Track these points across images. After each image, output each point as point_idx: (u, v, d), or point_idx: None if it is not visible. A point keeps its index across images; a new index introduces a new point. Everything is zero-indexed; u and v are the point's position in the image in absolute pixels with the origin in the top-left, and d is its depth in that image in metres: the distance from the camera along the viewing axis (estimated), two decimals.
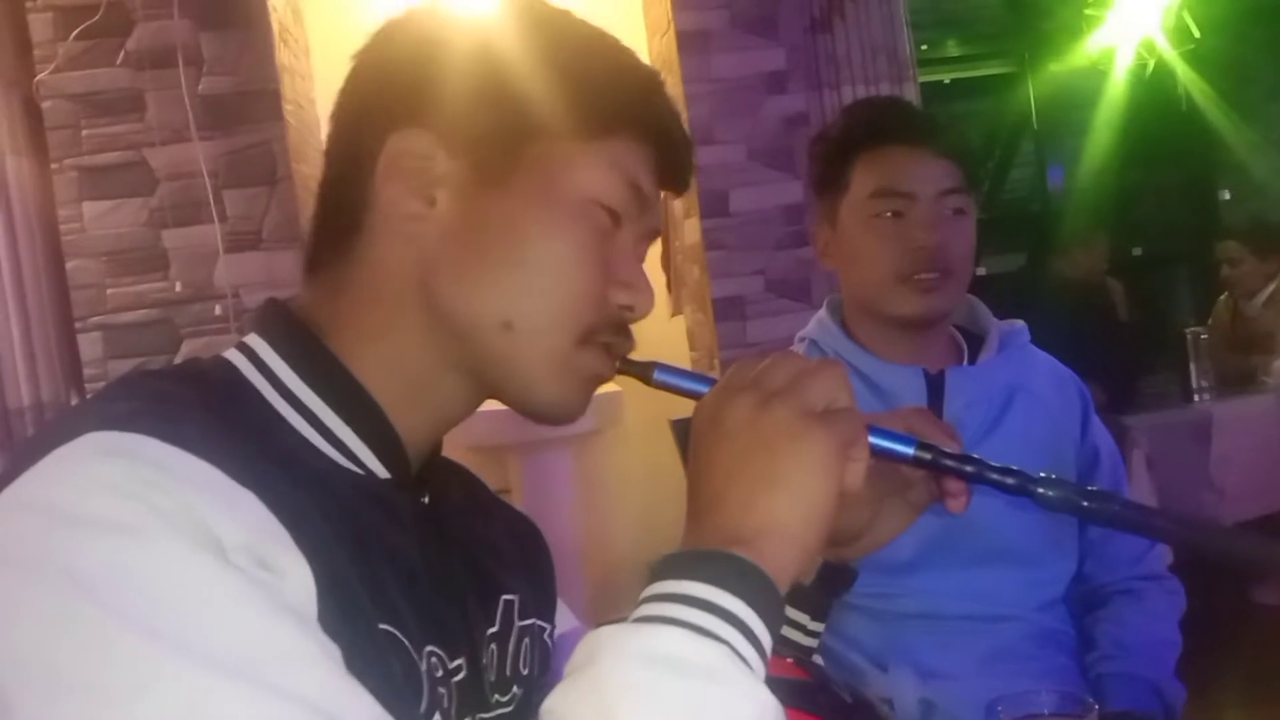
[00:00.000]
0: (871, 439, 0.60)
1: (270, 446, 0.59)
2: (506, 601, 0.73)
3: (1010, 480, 0.62)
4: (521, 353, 0.65)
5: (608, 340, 0.67)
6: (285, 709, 0.47)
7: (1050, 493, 0.61)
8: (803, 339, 1.40)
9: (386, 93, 0.67)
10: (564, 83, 0.65)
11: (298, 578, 0.53)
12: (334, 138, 0.70)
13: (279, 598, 0.51)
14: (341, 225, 0.67)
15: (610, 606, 3.34)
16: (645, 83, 0.70)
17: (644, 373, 0.68)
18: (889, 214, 1.28)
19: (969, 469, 0.62)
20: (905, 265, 1.27)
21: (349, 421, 0.64)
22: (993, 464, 0.62)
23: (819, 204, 1.38)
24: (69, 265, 2.75)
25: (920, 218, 1.27)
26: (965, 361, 1.35)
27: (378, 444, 0.65)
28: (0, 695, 0.48)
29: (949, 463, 0.63)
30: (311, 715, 0.48)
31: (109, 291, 2.76)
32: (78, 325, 2.75)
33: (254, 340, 0.66)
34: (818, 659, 0.73)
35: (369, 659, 0.56)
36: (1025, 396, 1.32)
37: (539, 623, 0.76)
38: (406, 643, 0.60)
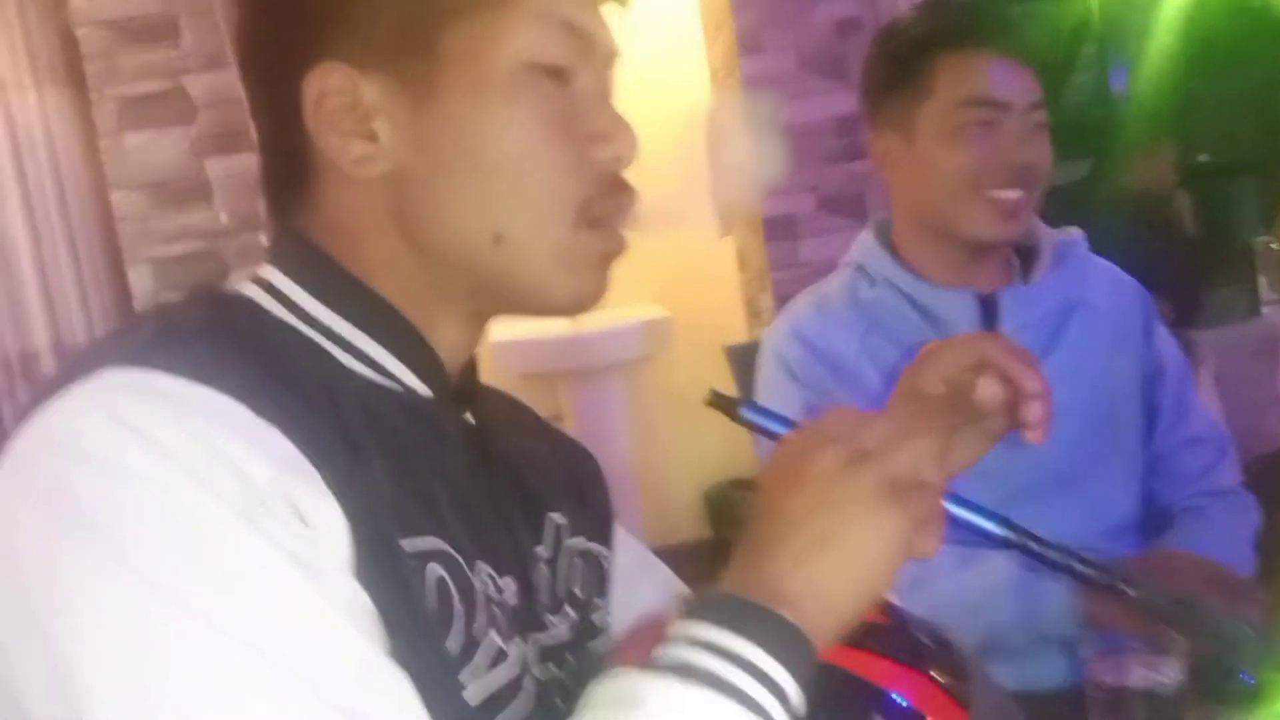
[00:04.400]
0: (955, 510, 0.58)
1: (297, 373, 0.56)
2: (555, 522, 0.71)
3: (1100, 575, 0.60)
4: (521, 260, 0.61)
5: (606, 208, 0.62)
6: (302, 699, 0.45)
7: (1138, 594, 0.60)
8: (848, 264, 1.34)
9: (281, 33, 0.62)
10: None
11: (329, 522, 0.51)
12: (248, 92, 0.64)
13: (308, 558, 0.49)
14: (292, 179, 0.63)
15: (666, 531, 3.36)
16: None
17: (731, 409, 0.65)
18: (978, 124, 1.19)
19: (1056, 558, 0.60)
20: (991, 181, 1.19)
21: (381, 340, 0.61)
22: (1083, 556, 0.60)
23: (882, 108, 1.28)
24: (113, 198, 2.74)
25: (1013, 131, 1.19)
26: (1018, 280, 1.28)
27: (414, 359, 0.62)
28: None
29: (1036, 548, 0.60)
30: (333, 714, 0.46)
31: (154, 224, 2.76)
32: (126, 259, 2.76)
33: (268, 271, 0.63)
34: (894, 598, 0.70)
35: (414, 580, 0.54)
36: (1084, 312, 1.26)
37: (591, 546, 0.74)
38: (459, 557, 0.58)
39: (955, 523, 0.58)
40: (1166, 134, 3.93)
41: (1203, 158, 5.02)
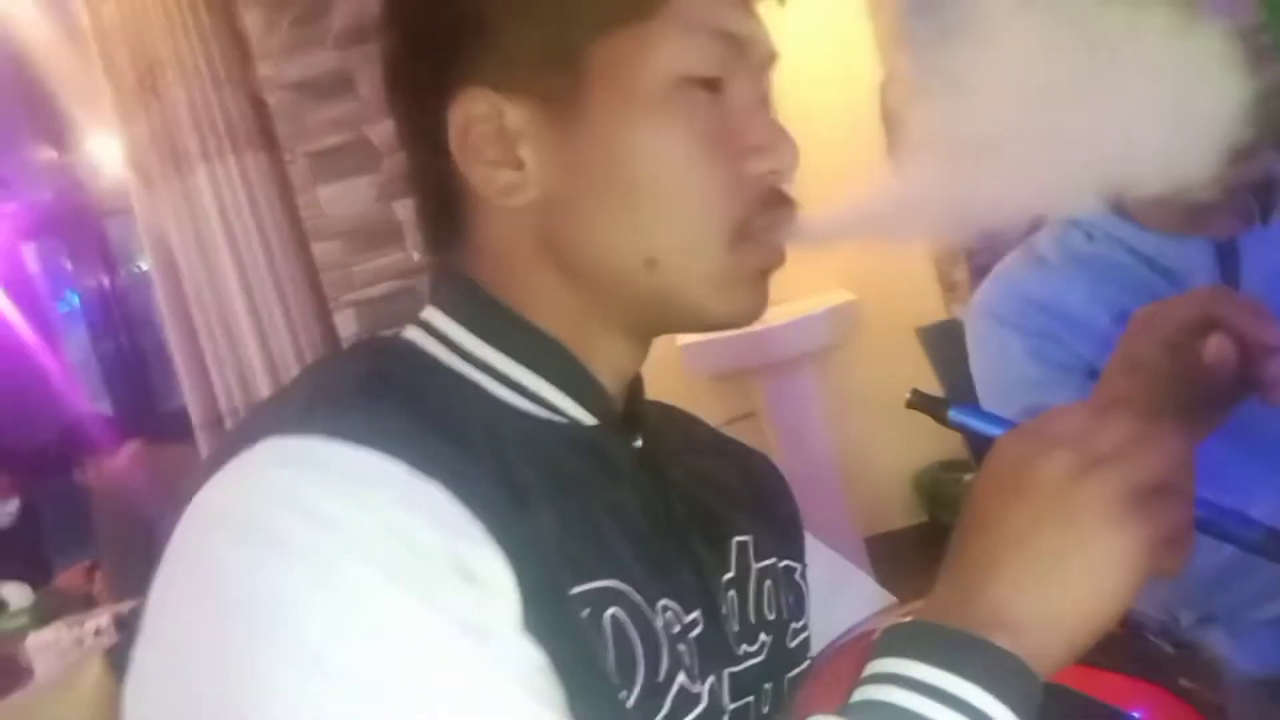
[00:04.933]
0: (1207, 516, 0.50)
1: (458, 419, 0.55)
2: (739, 543, 0.67)
3: None
4: (676, 284, 0.58)
5: (764, 224, 0.59)
6: None
7: None
8: (1056, 220, 1.23)
9: (423, 61, 0.60)
10: None
11: (497, 577, 0.50)
12: (398, 125, 0.64)
13: (478, 621, 0.47)
14: (445, 213, 0.62)
15: (877, 519, 3.27)
16: None
17: (937, 410, 0.60)
18: None
19: None
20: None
21: (541, 372, 0.60)
22: None
23: None
24: (315, 249, 2.90)
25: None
26: (1259, 223, 1.14)
27: (576, 389, 0.61)
28: (173, 696, 0.47)
29: None
30: None
31: (355, 269, 2.89)
32: (331, 305, 2.91)
33: (429, 313, 0.63)
34: None
35: (589, 629, 0.52)
36: None
37: (782, 562, 0.70)
38: (639, 598, 0.55)
39: (1204, 530, 0.51)
40: None
41: None
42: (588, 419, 0.61)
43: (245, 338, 2.84)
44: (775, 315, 3.22)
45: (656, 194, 0.57)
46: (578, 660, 0.51)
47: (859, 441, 3.32)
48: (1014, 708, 0.45)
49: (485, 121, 0.58)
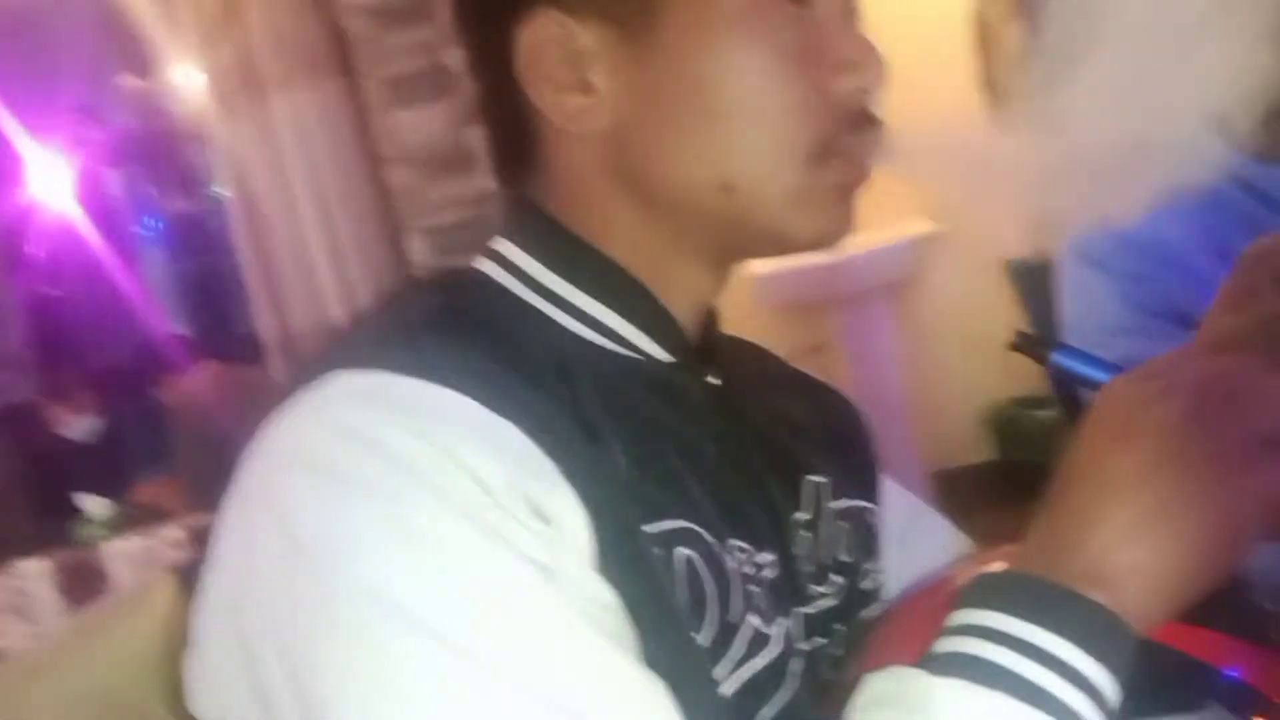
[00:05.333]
0: None
1: (531, 354, 0.54)
2: (814, 484, 0.66)
3: None
4: (753, 207, 0.56)
5: (848, 144, 0.56)
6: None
7: None
8: None
9: None
10: None
11: (569, 516, 0.49)
12: (466, 52, 0.62)
13: (549, 560, 0.46)
14: (515, 141, 0.60)
15: (947, 454, 3.23)
16: None
17: (1039, 353, 0.57)
18: None
19: None
20: None
21: (615, 306, 0.59)
22: None
23: None
24: (389, 175, 2.90)
25: None
26: None
27: (650, 324, 0.59)
28: (239, 636, 0.47)
29: None
30: None
31: (429, 195, 2.90)
32: (403, 231, 2.92)
33: (500, 244, 0.62)
34: None
35: (661, 568, 0.51)
36: None
37: (857, 504, 0.69)
38: (711, 539, 0.54)
39: None
40: None
41: None
42: (663, 355, 0.60)
43: (318, 262, 2.87)
44: (853, 245, 3.14)
45: (733, 115, 0.55)
46: (649, 600, 0.50)
47: (931, 376, 3.27)
48: (1108, 665, 0.43)
49: (555, 44, 0.56)
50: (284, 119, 2.83)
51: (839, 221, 0.58)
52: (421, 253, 2.92)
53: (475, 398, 0.49)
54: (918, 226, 3.15)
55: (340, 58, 2.89)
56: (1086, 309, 1.14)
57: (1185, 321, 1.02)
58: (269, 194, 2.87)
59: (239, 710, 0.49)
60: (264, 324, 2.97)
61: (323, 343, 0.62)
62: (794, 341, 3.21)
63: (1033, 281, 1.24)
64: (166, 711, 0.58)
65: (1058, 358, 0.56)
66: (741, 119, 0.55)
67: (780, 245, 0.59)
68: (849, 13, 0.58)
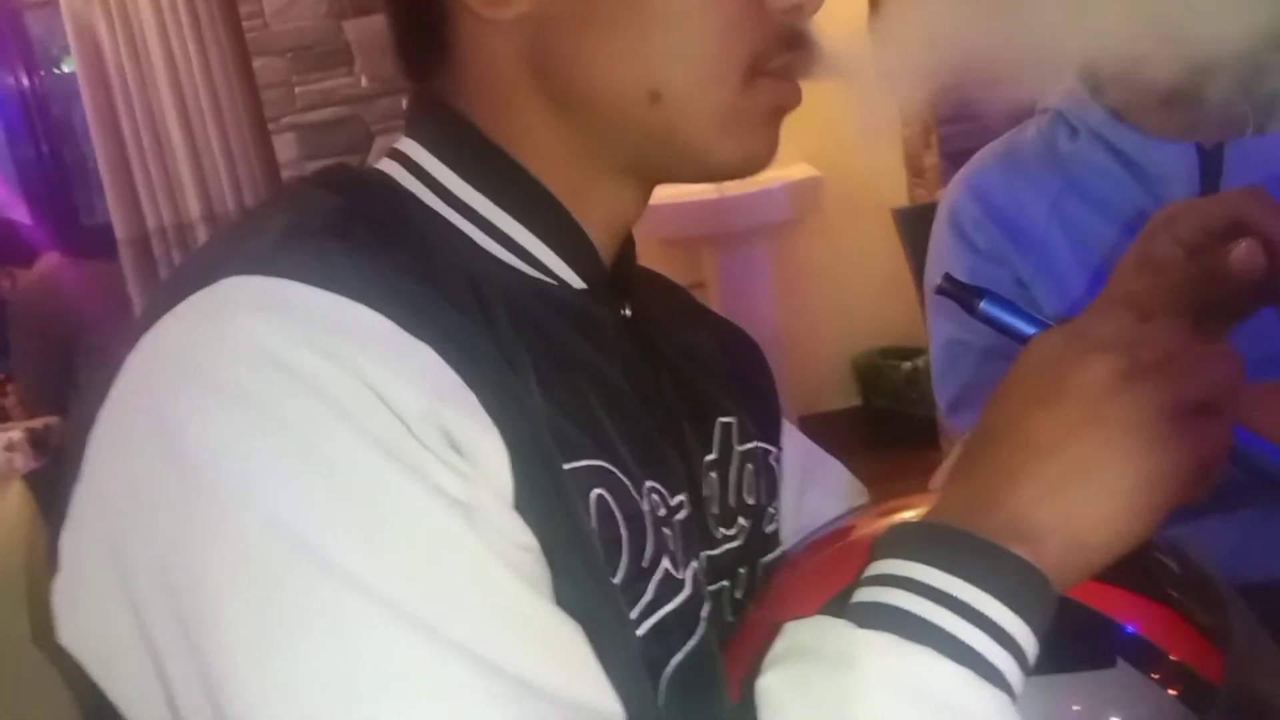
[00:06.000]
0: (1244, 447, 0.47)
1: (444, 272, 0.49)
2: (724, 424, 0.64)
3: None
4: (681, 121, 0.52)
5: (783, 63, 0.53)
6: (461, 663, 0.40)
7: None
8: (1045, 110, 1.18)
9: None
10: None
11: (489, 451, 0.44)
12: None
13: (466, 496, 0.42)
14: (424, 31, 0.54)
15: (812, 400, 3.29)
16: None
17: (968, 300, 0.55)
18: None
19: None
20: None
21: (530, 226, 0.54)
22: None
23: None
24: (256, 64, 2.74)
25: None
26: (1251, 132, 1.09)
27: (567, 247, 0.55)
28: (119, 563, 0.42)
29: None
30: (495, 678, 0.40)
31: (297, 90, 2.75)
32: (271, 127, 2.77)
33: (407, 144, 0.56)
34: None
35: (578, 508, 0.48)
36: None
37: (762, 445, 0.67)
38: (626, 481, 0.51)
39: (1237, 460, 0.47)
40: None
41: None
42: (577, 282, 0.55)
43: (177, 153, 2.71)
44: (734, 185, 3.15)
45: (669, 21, 0.51)
46: (567, 541, 0.47)
47: (805, 320, 3.31)
48: (1030, 622, 0.42)
49: None
50: None
51: (764, 145, 0.55)
52: (290, 150, 2.78)
53: (390, 316, 0.44)
54: (800, 170, 3.16)
55: None
56: (937, 274, 1.15)
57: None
58: (123, 74, 2.68)
59: (116, 643, 0.44)
60: (115, 216, 2.79)
61: (210, 238, 0.55)
62: (674, 276, 3.19)
63: (920, 230, 1.24)
64: (28, 641, 0.51)
65: (986, 307, 0.55)
66: (677, 26, 0.51)
67: (702, 166, 0.55)
68: None
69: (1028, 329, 0.53)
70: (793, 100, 0.55)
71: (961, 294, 0.56)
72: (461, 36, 0.54)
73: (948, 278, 0.57)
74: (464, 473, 0.43)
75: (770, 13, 0.52)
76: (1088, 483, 0.43)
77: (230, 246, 0.48)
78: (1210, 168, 1.06)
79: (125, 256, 2.79)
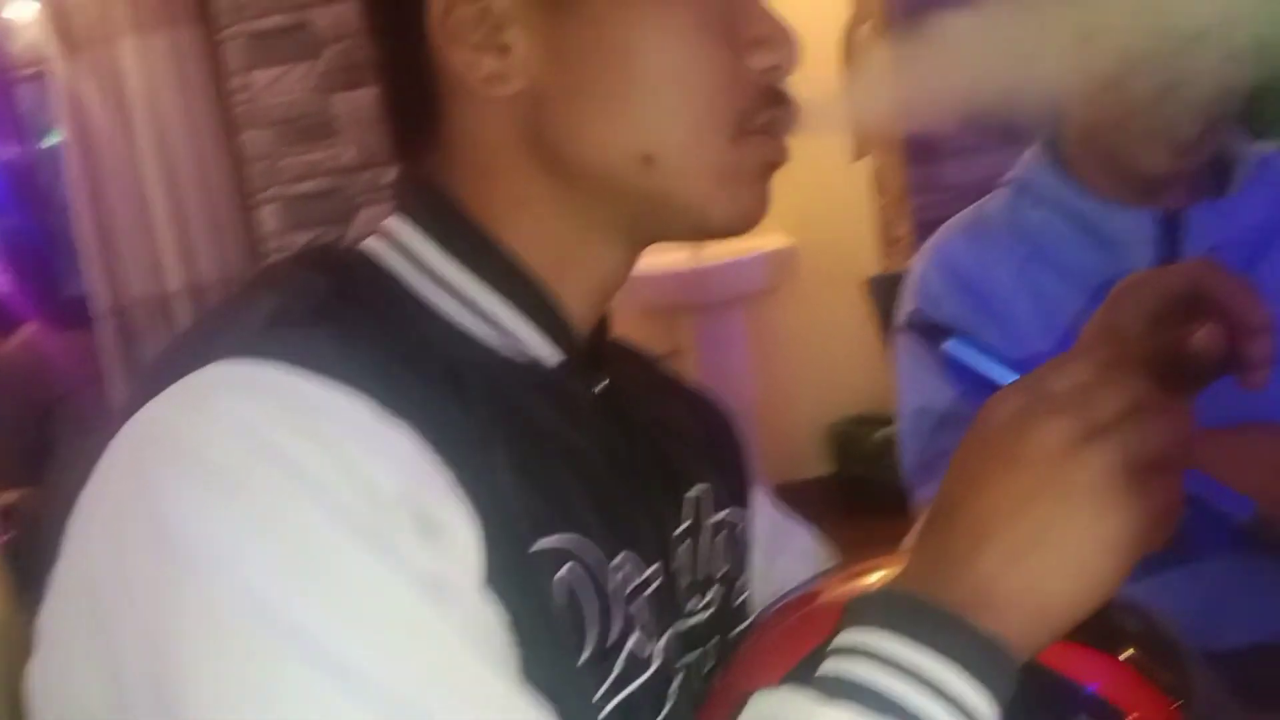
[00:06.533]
0: (1197, 489, 0.48)
1: (424, 350, 0.51)
2: (695, 495, 0.65)
3: None
4: (674, 182, 0.55)
5: (765, 120, 0.56)
6: None
7: None
8: (1009, 182, 1.22)
9: None
10: None
11: (461, 530, 0.46)
12: (366, 7, 0.59)
13: (439, 576, 0.44)
14: (417, 107, 0.57)
15: (786, 468, 3.29)
16: None
17: (935, 336, 0.57)
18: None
19: None
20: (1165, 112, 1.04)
21: (510, 303, 0.56)
22: None
23: None
24: (242, 137, 2.77)
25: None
26: (1211, 197, 1.13)
27: (542, 322, 0.57)
28: (105, 634, 0.44)
29: None
30: None
31: (283, 162, 2.78)
32: (255, 199, 2.79)
33: (393, 223, 0.58)
34: None
35: (547, 586, 0.49)
36: None
37: (733, 515, 0.68)
38: (596, 556, 0.53)
39: (1194, 507, 0.49)
40: None
41: None
42: (553, 356, 0.57)
43: (160, 224, 2.72)
44: (711, 255, 3.19)
45: (656, 84, 0.54)
46: (534, 619, 0.48)
47: (781, 388, 3.33)
48: (991, 691, 0.42)
49: (470, 2, 0.54)
50: (132, 65, 2.66)
51: (757, 202, 0.57)
52: (273, 222, 2.80)
53: (370, 397, 0.46)
54: (776, 240, 3.21)
55: (198, 5, 2.74)
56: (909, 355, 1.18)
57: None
58: (110, 145, 2.69)
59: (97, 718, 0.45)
60: (96, 287, 2.79)
61: (197, 320, 0.57)
62: (650, 345, 3.20)
63: (891, 298, 1.27)
64: None
65: (952, 346, 0.56)
66: (665, 89, 0.54)
67: (697, 224, 0.57)
68: None
69: (991, 371, 0.54)
70: (780, 157, 0.57)
71: (929, 331, 0.57)
72: (454, 114, 0.56)
73: (916, 313, 0.58)
74: (436, 553, 0.44)
75: (750, 73, 0.55)
76: (1049, 549, 0.43)
77: (218, 331, 0.50)
78: (1171, 233, 1.10)
79: (105, 328, 2.79)
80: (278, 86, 2.75)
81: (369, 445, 0.45)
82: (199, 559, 0.42)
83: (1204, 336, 0.61)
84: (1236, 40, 1.02)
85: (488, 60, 0.54)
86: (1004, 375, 0.52)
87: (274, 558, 0.42)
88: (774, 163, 0.57)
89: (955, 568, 0.44)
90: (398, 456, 0.46)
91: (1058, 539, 0.43)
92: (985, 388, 0.49)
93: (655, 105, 0.54)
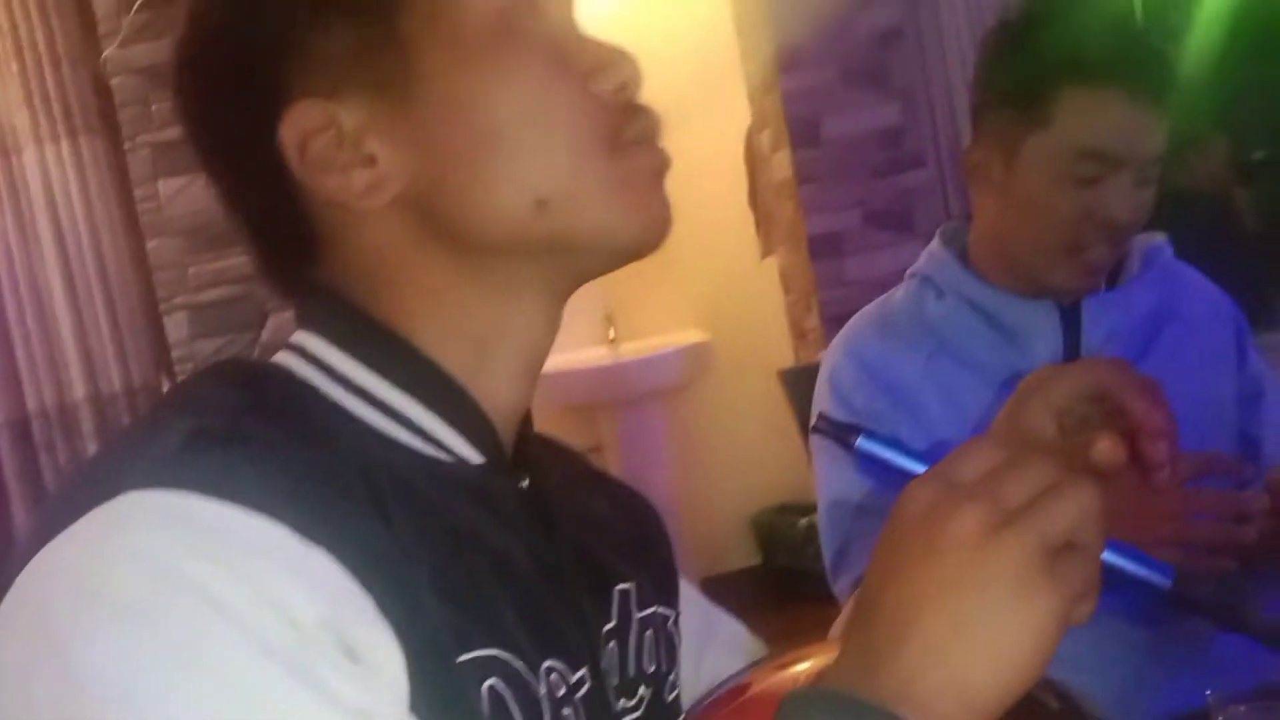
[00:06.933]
0: (1116, 561, 0.49)
1: (342, 465, 0.50)
2: (622, 592, 0.64)
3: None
4: (574, 215, 0.55)
5: (634, 131, 0.56)
6: None
7: None
8: (913, 275, 1.25)
9: (235, 92, 0.56)
10: None
11: (384, 655, 0.45)
12: (215, 176, 0.59)
13: (362, 704, 0.43)
14: (291, 235, 0.57)
15: (713, 561, 3.28)
16: None
17: (844, 437, 0.57)
18: (1088, 178, 1.05)
19: (1224, 614, 0.53)
20: (1086, 239, 1.08)
21: (425, 402, 0.55)
22: (1257, 615, 0.51)
23: (987, 117, 1.15)
24: (149, 245, 2.73)
25: (1122, 191, 1.05)
26: (1103, 287, 1.18)
27: (462, 422, 0.56)
28: None
29: (1206, 607, 0.52)
30: None
31: (190, 270, 2.74)
32: (162, 307, 2.74)
33: (302, 336, 0.57)
34: None
35: (474, 701, 0.48)
36: (1175, 324, 1.16)
37: (661, 611, 0.67)
38: (522, 666, 0.52)
39: (1113, 578, 0.49)
40: (1217, 130, 3.80)
41: (1259, 155, 4.88)
42: (475, 457, 0.57)
43: (63, 334, 2.65)
44: (629, 351, 3.22)
45: (520, 133, 0.54)
46: None
47: (703, 481, 3.34)
48: None
49: (322, 130, 0.54)
50: (34, 174, 2.62)
51: (658, 208, 0.57)
52: (181, 330, 2.74)
53: (286, 523, 0.45)
54: (691, 336, 3.25)
55: (103, 115, 2.72)
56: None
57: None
58: (10, 254, 2.63)
59: None
60: None
61: (107, 444, 0.56)
62: (570, 442, 3.19)
63: (805, 389, 1.29)
64: None
65: (863, 443, 0.56)
66: (530, 134, 0.54)
67: (611, 248, 0.57)
68: (579, 27, 0.59)
69: (905, 462, 0.54)
70: (663, 161, 0.57)
71: (839, 432, 0.57)
72: (341, 232, 0.56)
73: (823, 417, 0.59)
74: (360, 679, 0.44)
75: (601, 96, 0.56)
76: (970, 639, 0.43)
77: (129, 456, 0.48)
78: (1070, 322, 1.14)
79: (3, 439, 2.68)
80: (185, 194, 2.72)
81: (288, 573, 0.44)
82: (111, 702, 0.40)
83: (1105, 449, 0.62)
84: (1150, 171, 1.09)
85: (358, 176, 0.54)
86: (915, 467, 0.53)
87: (194, 695, 0.41)
88: (659, 168, 0.57)
89: (881, 660, 0.44)
90: (318, 582, 0.45)
91: (979, 628, 0.43)
92: (900, 479, 0.50)
93: (527, 152, 0.54)
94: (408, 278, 0.56)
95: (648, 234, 0.56)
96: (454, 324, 0.56)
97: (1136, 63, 1.08)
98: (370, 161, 0.54)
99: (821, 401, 1.22)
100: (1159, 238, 1.22)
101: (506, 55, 0.54)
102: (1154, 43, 1.15)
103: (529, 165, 0.54)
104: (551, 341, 0.60)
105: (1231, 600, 0.51)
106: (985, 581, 0.43)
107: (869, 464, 0.56)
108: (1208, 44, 4.62)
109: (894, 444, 0.55)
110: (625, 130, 0.56)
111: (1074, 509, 0.45)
